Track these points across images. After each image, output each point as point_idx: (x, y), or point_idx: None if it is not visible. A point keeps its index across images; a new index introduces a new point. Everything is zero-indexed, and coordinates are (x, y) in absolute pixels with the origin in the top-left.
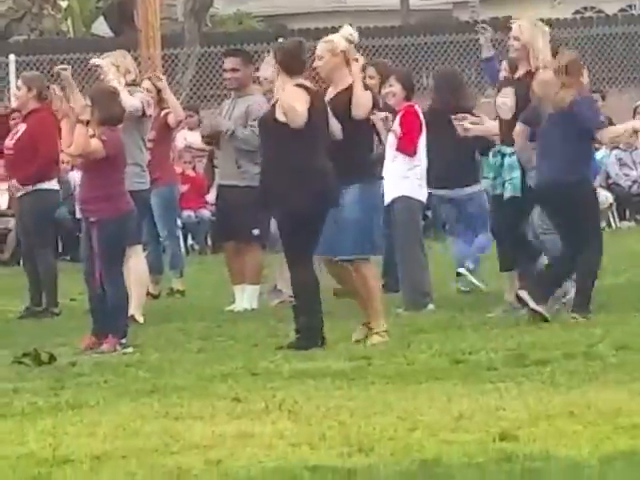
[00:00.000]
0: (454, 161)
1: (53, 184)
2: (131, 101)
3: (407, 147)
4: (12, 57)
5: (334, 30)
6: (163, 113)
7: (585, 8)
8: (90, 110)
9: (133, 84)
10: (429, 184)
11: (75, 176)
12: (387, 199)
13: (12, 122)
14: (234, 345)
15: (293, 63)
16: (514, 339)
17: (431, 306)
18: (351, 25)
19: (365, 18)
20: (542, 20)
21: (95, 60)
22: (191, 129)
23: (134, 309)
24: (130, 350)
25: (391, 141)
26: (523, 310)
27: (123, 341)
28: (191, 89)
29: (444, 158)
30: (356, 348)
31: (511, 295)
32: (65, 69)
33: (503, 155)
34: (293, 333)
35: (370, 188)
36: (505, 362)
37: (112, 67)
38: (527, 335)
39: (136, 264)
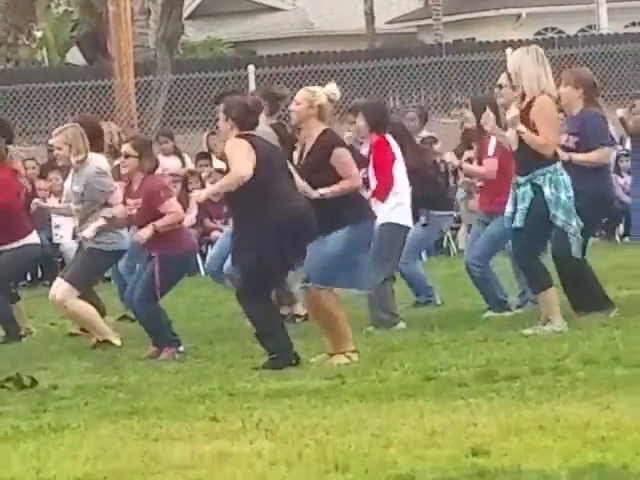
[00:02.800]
0: None
1: (30, 239)
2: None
3: (379, 193)
4: None
5: (303, 56)
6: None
7: (546, 29)
8: (137, 159)
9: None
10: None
11: (54, 201)
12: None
13: None
14: (211, 366)
15: (243, 115)
16: (483, 355)
17: (402, 324)
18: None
19: (332, 42)
20: (504, 42)
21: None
22: (166, 155)
23: (108, 334)
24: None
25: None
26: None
27: (181, 349)
28: (164, 115)
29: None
30: (330, 367)
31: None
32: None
33: (518, 185)
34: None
35: (357, 229)
36: (475, 378)
37: (63, 145)
38: (496, 351)
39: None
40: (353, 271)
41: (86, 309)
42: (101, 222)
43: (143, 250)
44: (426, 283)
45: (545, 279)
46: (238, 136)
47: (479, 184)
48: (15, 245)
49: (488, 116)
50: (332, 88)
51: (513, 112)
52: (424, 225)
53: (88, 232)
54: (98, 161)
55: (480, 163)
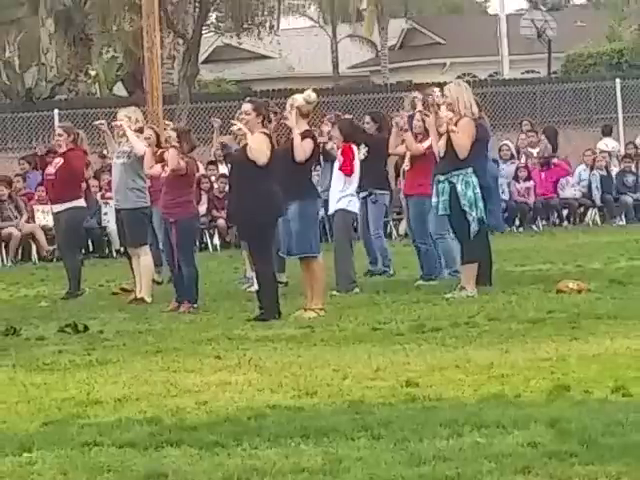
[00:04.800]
0: None
1: (82, 202)
2: (140, 145)
3: (346, 170)
4: (56, 111)
5: (285, 91)
6: (159, 152)
7: (464, 74)
8: (177, 143)
9: (139, 130)
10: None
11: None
12: (330, 210)
13: (48, 159)
14: (215, 317)
15: (263, 115)
16: (415, 313)
17: (357, 289)
18: (314, 90)
19: (307, 82)
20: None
21: (116, 122)
22: None
23: (144, 293)
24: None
25: (336, 170)
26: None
27: (195, 305)
28: None
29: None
30: (303, 320)
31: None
32: (102, 123)
33: (438, 182)
34: (258, 309)
35: (307, 204)
36: (409, 329)
37: (126, 118)
38: (425, 310)
39: (144, 259)
40: (309, 239)
41: (150, 269)
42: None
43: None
44: (388, 256)
45: (475, 255)
46: (263, 133)
47: (406, 168)
48: (71, 205)
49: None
50: (308, 92)
51: (447, 115)
52: (374, 202)
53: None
54: None
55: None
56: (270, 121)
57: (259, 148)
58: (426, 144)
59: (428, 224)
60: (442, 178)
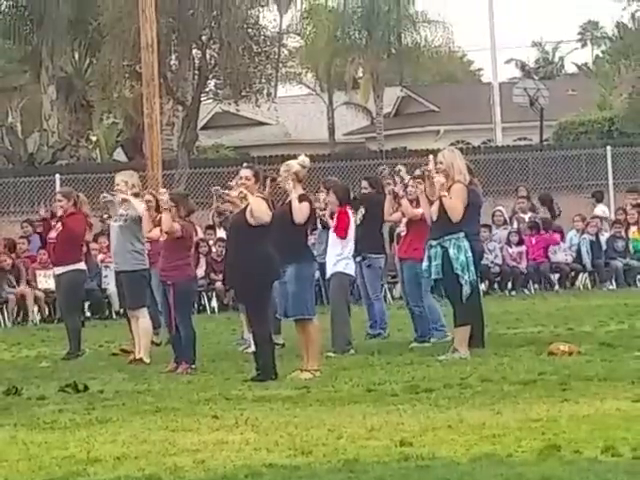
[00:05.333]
0: None
1: (82, 265)
2: (139, 206)
3: (340, 233)
4: (57, 176)
5: (282, 157)
6: (158, 216)
7: (458, 141)
8: (175, 207)
9: (136, 195)
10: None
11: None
12: (327, 274)
13: (53, 222)
14: (213, 378)
15: (260, 181)
16: (410, 374)
17: (352, 350)
18: (310, 156)
19: (304, 148)
20: (427, 150)
21: (106, 195)
22: None
23: (143, 354)
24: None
25: (332, 235)
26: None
27: (193, 366)
28: None
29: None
30: (299, 380)
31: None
32: (106, 196)
33: (430, 247)
34: (255, 370)
35: (303, 267)
36: (403, 390)
37: (122, 182)
38: (419, 371)
39: (143, 321)
40: (305, 302)
41: (149, 330)
42: (131, 199)
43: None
44: (385, 319)
45: (469, 318)
46: (261, 197)
47: (403, 232)
48: (72, 268)
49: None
50: (302, 158)
51: (440, 181)
52: (368, 266)
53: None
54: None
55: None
56: (265, 187)
57: (261, 209)
58: (421, 210)
59: (422, 288)
60: (434, 243)
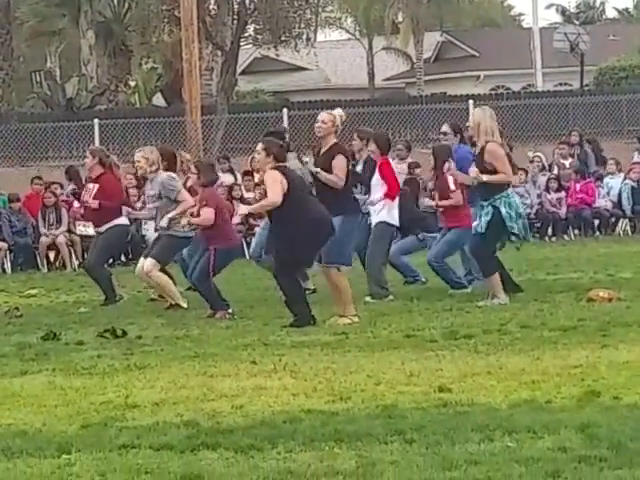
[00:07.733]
0: None
1: (123, 219)
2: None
3: (391, 193)
4: (96, 121)
5: (322, 103)
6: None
7: (498, 86)
8: (196, 175)
9: (155, 171)
10: None
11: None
12: (373, 222)
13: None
14: (251, 324)
15: (279, 152)
16: (448, 320)
17: (390, 296)
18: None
19: (343, 93)
20: (467, 95)
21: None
22: (224, 172)
23: (179, 299)
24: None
25: (375, 180)
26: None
27: (230, 311)
28: (222, 144)
29: None
30: (337, 326)
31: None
32: (130, 212)
33: (482, 207)
34: (292, 316)
35: (348, 218)
36: (442, 336)
37: (143, 159)
38: (458, 317)
39: (156, 275)
40: (346, 250)
41: (165, 279)
42: (171, 214)
43: (203, 243)
44: (412, 268)
45: (493, 267)
46: (273, 167)
47: (440, 209)
48: (114, 223)
49: (449, 166)
50: (340, 111)
51: (474, 171)
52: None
53: (163, 222)
54: (167, 173)
55: (441, 194)
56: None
57: (271, 186)
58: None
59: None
60: (485, 203)
